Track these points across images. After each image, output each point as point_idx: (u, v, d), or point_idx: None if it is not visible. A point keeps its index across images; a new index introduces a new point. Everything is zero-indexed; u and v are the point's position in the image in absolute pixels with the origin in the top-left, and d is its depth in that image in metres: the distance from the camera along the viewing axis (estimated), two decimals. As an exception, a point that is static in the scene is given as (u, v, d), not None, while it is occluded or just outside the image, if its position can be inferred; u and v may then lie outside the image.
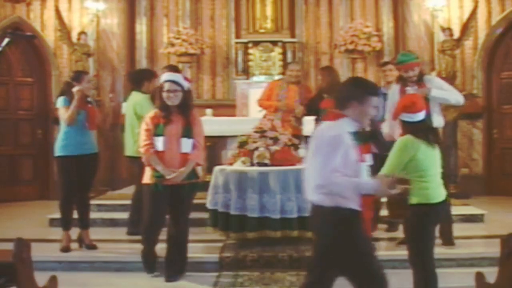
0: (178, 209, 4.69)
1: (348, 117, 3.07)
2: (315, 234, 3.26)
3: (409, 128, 3.58)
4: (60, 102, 5.28)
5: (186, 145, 4.58)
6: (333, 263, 3.08)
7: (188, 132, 4.59)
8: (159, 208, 4.65)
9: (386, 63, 6.43)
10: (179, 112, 4.61)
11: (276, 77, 8.22)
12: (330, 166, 2.91)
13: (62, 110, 5.23)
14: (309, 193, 3.07)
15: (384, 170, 3.44)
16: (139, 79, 5.93)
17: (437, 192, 3.57)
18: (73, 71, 6.43)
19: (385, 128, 4.80)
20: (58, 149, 5.29)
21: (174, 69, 6.20)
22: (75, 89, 5.20)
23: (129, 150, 5.76)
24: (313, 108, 6.10)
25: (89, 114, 5.31)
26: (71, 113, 5.16)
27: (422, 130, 3.59)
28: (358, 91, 3.08)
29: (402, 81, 5.07)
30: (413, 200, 3.53)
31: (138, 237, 4.98)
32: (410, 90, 4.89)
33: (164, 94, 4.59)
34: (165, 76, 4.74)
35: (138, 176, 5.17)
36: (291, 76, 6.63)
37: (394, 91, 5.12)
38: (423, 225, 3.53)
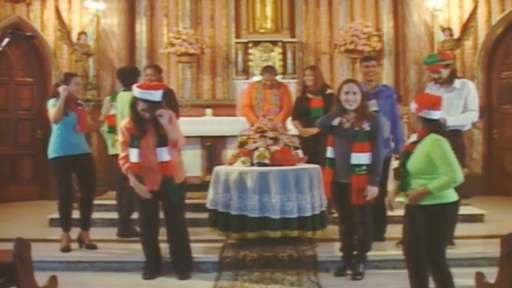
0: (169, 210, 4.72)
1: None
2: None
3: (431, 126, 3.54)
4: (50, 103, 5.28)
5: (162, 153, 4.54)
6: None
7: (162, 140, 4.54)
8: (151, 211, 4.70)
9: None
10: (152, 123, 4.56)
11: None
12: None
13: (52, 110, 5.23)
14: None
15: (459, 172, 3.43)
16: (131, 77, 5.71)
17: (453, 191, 3.53)
18: (63, 73, 6.34)
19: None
20: (51, 152, 5.30)
21: (156, 69, 6.19)
22: (61, 88, 5.19)
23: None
24: (301, 108, 6.10)
25: (79, 116, 5.29)
26: (57, 110, 5.15)
27: (440, 129, 3.59)
28: None
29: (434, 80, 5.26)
30: (431, 200, 3.46)
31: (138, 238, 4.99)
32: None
33: (139, 111, 4.53)
34: (137, 92, 4.55)
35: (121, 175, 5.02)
36: (266, 84, 6.63)
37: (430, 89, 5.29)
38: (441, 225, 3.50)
